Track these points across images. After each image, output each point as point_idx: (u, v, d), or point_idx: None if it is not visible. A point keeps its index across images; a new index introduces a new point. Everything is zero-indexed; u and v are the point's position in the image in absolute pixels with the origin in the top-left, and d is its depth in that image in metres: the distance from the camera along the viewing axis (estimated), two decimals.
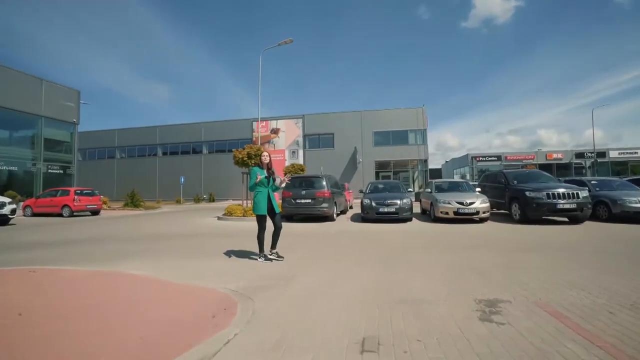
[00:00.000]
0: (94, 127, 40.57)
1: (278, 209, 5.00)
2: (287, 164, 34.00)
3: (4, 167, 17.98)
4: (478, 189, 11.08)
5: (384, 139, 31.40)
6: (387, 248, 6.07)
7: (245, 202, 13.84)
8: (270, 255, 5.03)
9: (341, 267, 4.59)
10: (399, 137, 31.06)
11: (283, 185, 5.25)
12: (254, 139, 34.83)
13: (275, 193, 5.11)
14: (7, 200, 11.72)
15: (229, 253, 5.75)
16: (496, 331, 2.35)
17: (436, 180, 13.17)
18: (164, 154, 37.18)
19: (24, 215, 15.67)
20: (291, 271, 4.36)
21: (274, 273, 4.28)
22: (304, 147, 33.37)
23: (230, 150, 34.84)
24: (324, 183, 11.10)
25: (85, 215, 16.11)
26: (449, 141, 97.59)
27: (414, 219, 11.16)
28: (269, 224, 4.97)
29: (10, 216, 11.64)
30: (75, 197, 15.44)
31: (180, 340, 2.22)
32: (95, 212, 16.61)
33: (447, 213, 9.95)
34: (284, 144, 34.14)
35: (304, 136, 33.44)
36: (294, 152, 33.82)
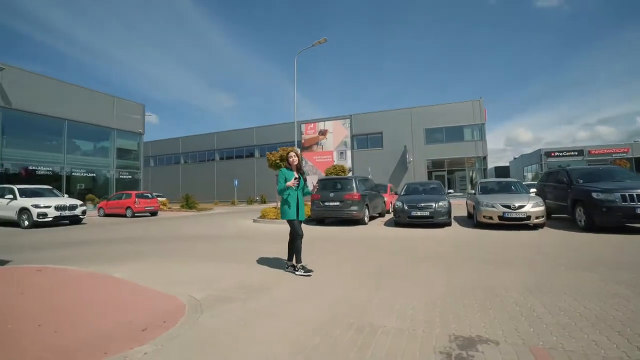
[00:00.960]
0: (167, 135, 45.18)
1: (303, 216, 4.48)
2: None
3: (87, 174, 20.82)
4: (533, 190, 9.53)
5: (437, 136, 29.35)
6: (400, 257, 5.40)
7: (278, 204, 13.92)
8: (287, 269, 4.49)
9: (327, 278, 4.13)
10: (454, 134, 28.75)
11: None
12: (302, 141, 35.46)
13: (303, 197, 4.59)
14: (78, 202, 13.42)
15: (231, 256, 5.67)
16: None
17: (483, 180, 11.73)
18: (221, 158, 39.79)
19: (98, 215, 17.91)
20: (272, 281, 4.04)
21: (255, 282, 4.01)
22: (352, 147, 32.83)
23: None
24: (354, 185, 10.57)
25: (144, 215, 17.80)
26: (521, 136, 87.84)
27: (454, 223, 10.06)
28: (284, 230, 4.72)
29: (81, 216, 13.31)
30: (136, 200, 17.18)
31: (97, 350, 2.09)
32: (153, 213, 18.28)
33: (490, 218, 8.70)
34: (332, 145, 34.01)
35: (352, 136, 32.91)
36: (341, 153, 33.50)
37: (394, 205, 10.19)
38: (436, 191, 10.74)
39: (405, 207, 9.60)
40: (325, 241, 7.42)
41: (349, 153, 32.99)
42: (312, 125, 35.15)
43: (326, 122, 34.48)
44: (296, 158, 4.44)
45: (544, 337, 2.33)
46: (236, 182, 32.73)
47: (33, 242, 8.38)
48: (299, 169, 4.47)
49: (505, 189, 10.22)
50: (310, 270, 4.28)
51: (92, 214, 18.34)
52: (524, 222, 8.36)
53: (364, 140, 32.69)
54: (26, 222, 11.84)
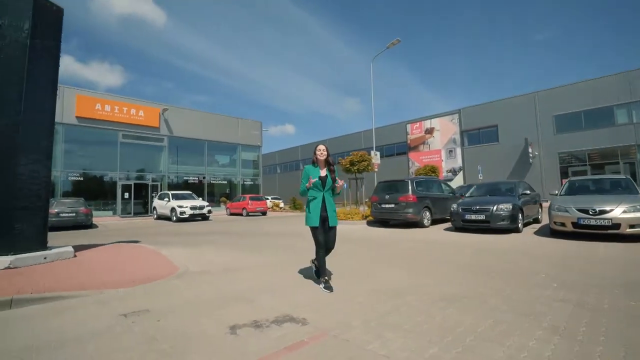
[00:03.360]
0: (302, 143, 51.51)
1: (335, 221, 3.84)
2: (444, 164, 31.69)
3: (221, 181, 26.59)
4: None
5: (572, 122, 23.66)
6: (405, 270, 5.51)
7: (348, 206, 14.66)
8: (319, 283, 3.80)
9: (284, 277, 4.90)
10: (598, 117, 22.59)
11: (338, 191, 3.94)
12: (408, 141, 34.59)
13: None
14: (205, 204, 17.70)
15: (262, 249, 7.01)
16: None
17: (573, 177, 9.45)
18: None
19: (226, 214, 22.73)
20: (256, 264, 5.12)
21: (243, 266, 5.18)
22: (462, 144, 29.98)
23: (387, 156, 36.32)
24: (409, 187, 10.43)
25: (256, 215, 21.52)
26: None
27: (528, 230, 8.71)
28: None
29: (207, 214, 17.51)
30: (249, 202, 21.00)
31: (129, 283, 3.74)
32: (263, 213, 21.86)
33: (562, 225, 7.28)
34: (440, 143, 31.90)
35: (461, 132, 30.06)
36: (450, 151, 31.02)
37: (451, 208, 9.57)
38: (508, 192, 9.43)
39: (460, 210, 8.95)
40: (355, 243, 7.94)
41: (458, 151, 30.24)
42: (417, 125, 33.88)
43: (432, 120, 32.61)
44: (325, 153, 3.83)
45: None
46: (345, 185, 34.63)
47: (166, 230, 11.96)
48: (329, 163, 3.88)
49: (603, 188, 8.15)
50: (329, 288, 3.65)
51: (222, 212, 23.44)
52: (608, 231, 6.66)
53: (475, 136, 29.35)
54: (174, 218, 16.54)
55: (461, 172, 29.78)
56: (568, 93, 23.89)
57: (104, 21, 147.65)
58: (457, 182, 28.57)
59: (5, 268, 4.68)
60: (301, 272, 4.61)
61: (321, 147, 3.89)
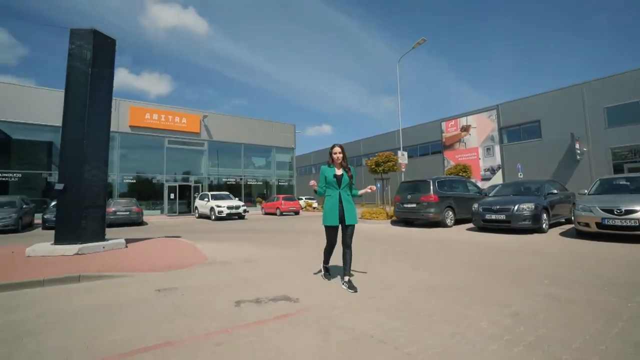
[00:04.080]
0: (338, 141, 52.61)
1: (353, 219, 3.88)
2: (481, 163, 30.49)
3: (257, 182, 27.98)
4: None
5: (627, 114, 21.66)
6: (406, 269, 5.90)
7: (378, 206, 14.90)
8: (342, 284, 3.83)
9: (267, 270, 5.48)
10: None
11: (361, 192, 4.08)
12: (443, 140, 33.72)
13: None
14: (241, 204, 18.93)
15: (284, 244, 7.69)
16: None
17: (605, 176, 8.94)
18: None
19: (261, 213, 23.96)
20: (270, 257, 5.79)
21: (260, 257, 5.86)
22: (500, 141, 28.65)
23: (422, 155, 35.72)
24: (431, 187, 10.56)
25: (289, 214, 22.45)
26: None
27: (554, 231, 8.51)
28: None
29: (242, 213, 18.72)
30: (283, 202, 21.99)
31: (167, 268, 4.63)
32: (296, 212, 22.73)
33: (586, 225, 7.12)
34: (477, 141, 30.73)
35: (500, 129, 28.72)
36: (488, 149, 29.77)
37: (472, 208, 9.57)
38: (533, 192, 9.23)
39: (480, 210, 8.97)
40: (372, 240, 8.34)
41: (497, 148, 28.92)
42: (452, 122, 32.91)
43: (468, 117, 31.49)
44: (340, 155, 3.91)
45: None
46: (379, 185, 34.66)
47: (204, 228, 13.16)
48: (344, 166, 3.97)
49: (638, 187, 7.74)
50: (353, 287, 3.67)
51: (258, 212, 24.72)
52: (635, 232, 6.42)
53: (515, 132, 27.88)
54: (212, 216, 17.93)
55: (500, 170, 28.47)
56: (621, 82, 21.93)
57: (153, 35, 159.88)
58: (497, 180, 27.40)
59: (75, 254, 5.81)
60: (311, 264, 5.18)
61: (337, 148, 3.95)
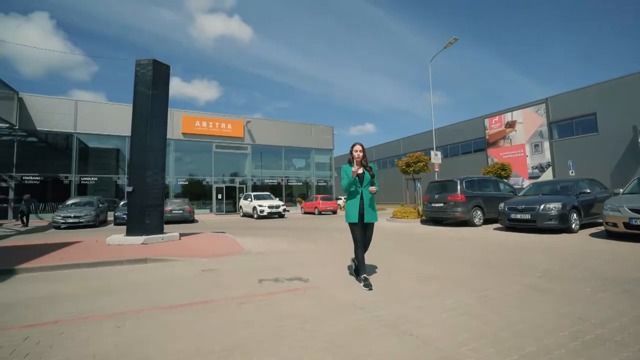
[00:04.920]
0: (382, 141, 52.75)
1: (373, 218, 3.95)
2: (529, 160, 28.83)
3: (297, 183, 29.33)
4: None
5: None
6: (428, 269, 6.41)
7: (409, 205, 15.15)
8: (359, 282, 3.93)
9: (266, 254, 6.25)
10: None
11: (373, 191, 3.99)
12: (486, 137, 32.36)
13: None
14: (281, 203, 20.21)
15: (315, 239, 8.54)
16: None
17: None
18: None
19: (301, 213, 25.14)
20: (300, 250, 6.64)
21: (295, 250, 6.76)
22: (550, 137, 26.86)
23: (465, 153, 34.63)
24: (458, 187, 10.73)
25: (327, 214, 23.33)
26: None
27: (584, 231, 8.38)
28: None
29: (282, 212, 20.00)
30: (321, 201, 22.95)
31: (212, 255, 5.77)
32: (334, 212, 23.55)
33: (614, 225, 7.04)
34: (523, 137, 29.09)
35: (549, 124, 26.94)
36: (536, 145, 28.06)
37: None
38: (564, 191, 9.06)
39: (506, 210, 9.05)
40: (396, 236, 8.86)
41: (545, 145, 27.15)
42: (496, 118, 31.46)
43: (514, 112, 29.90)
44: (361, 153, 3.97)
45: None
46: (418, 185, 34.25)
47: (247, 225, 14.52)
48: (364, 164, 3.99)
49: None
50: (369, 285, 3.74)
51: (298, 211, 25.96)
52: None
53: (567, 127, 25.96)
54: (255, 215, 19.42)
55: (549, 168, 26.71)
56: None
57: (202, 44, 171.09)
58: (546, 178, 25.78)
59: (141, 243, 7.22)
60: (334, 257, 5.95)
61: (357, 146, 4.00)
